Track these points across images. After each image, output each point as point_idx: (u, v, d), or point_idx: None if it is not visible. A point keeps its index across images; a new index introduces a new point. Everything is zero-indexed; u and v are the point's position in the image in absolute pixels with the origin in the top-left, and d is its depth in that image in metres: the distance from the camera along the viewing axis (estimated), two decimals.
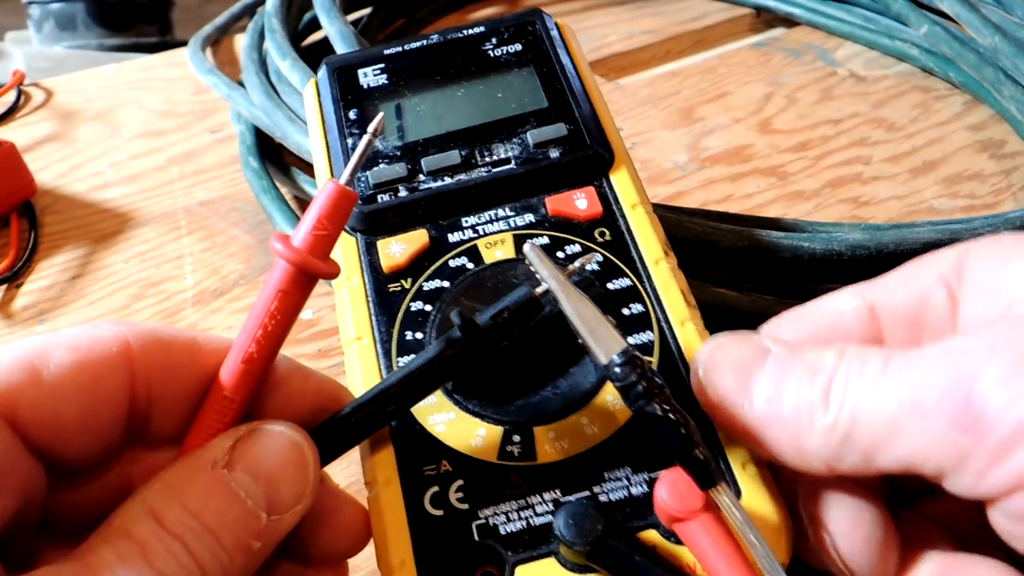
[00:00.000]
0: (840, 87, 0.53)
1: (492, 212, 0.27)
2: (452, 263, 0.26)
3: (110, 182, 0.49)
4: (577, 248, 0.26)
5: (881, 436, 0.18)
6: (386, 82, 0.31)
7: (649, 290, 0.25)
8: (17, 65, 0.65)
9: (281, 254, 0.20)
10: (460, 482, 0.22)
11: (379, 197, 0.27)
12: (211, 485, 0.19)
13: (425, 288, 0.26)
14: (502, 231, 0.27)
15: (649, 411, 0.20)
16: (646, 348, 0.24)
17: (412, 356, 0.23)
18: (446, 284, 0.26)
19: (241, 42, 0.57)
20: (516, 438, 0.23)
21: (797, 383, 0.20)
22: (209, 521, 0.18)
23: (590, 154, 0.28)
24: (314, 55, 0.58)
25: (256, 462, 0.19)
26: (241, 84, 0.50)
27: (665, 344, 0.24)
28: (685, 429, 0.20)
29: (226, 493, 0.19)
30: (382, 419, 0.22)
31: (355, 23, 0.50)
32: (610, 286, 0.25)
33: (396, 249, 0.26)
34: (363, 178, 0.28)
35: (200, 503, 0.18)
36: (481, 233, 0.27)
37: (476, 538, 0.22)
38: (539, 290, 0.22)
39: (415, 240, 0.27)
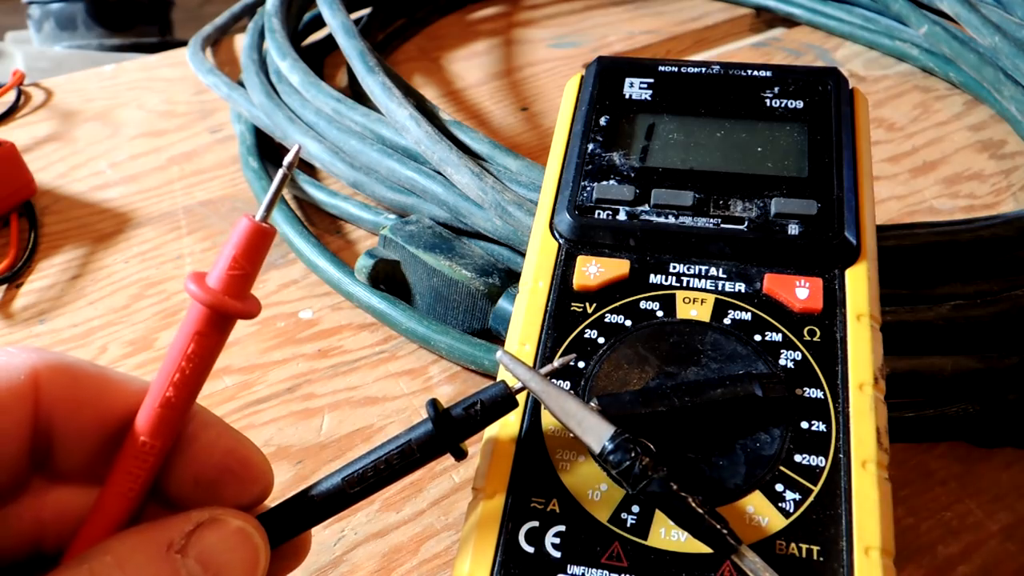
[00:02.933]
0: None
1: (703, 267, 0.25)
2: (643, 304, 0.25)
3: (110, 182, 0.49)
4: (778, 338, 0.23)
5: None
6: (648, 98, 0.29)
7: (840, 414, 0.22)
8: (17, 65, 0.65)
9: (195, 295, 0.19)
10: (562, 528, 0.21)
11: (597, 212, 0.26)
12: (162, 568, 0.19)
13: (606, 320, 0.24)
14: (706, 290, 0.25)
15: (652, 490, 0.19)
16: (810, 473, 0.21)
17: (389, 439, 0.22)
18: (628, 323, 0.24)
19: (241, 42, 0.57)
20: (635, 508, 0.21)
21: None
22: None
23: (832, 244, 0.25)
24: (314, 55, 0.58)
25: (209, 553, 0.19)
26: (241, 84, 0.50)
27: (834, 478, 0.21)
28: (693, 501, 0.19)
29: None
30: (344, 503, 0.21)
31: (355, 23, 0.50)
32: (798, 391, 0.23)
33: (593, 270, 0.25)
34: (589, 188, 0.27)
35: None
36: (684, 285, 0.25)
37: None
38: (515, 386, 0.21)
39: (615, 268, 0.25)
